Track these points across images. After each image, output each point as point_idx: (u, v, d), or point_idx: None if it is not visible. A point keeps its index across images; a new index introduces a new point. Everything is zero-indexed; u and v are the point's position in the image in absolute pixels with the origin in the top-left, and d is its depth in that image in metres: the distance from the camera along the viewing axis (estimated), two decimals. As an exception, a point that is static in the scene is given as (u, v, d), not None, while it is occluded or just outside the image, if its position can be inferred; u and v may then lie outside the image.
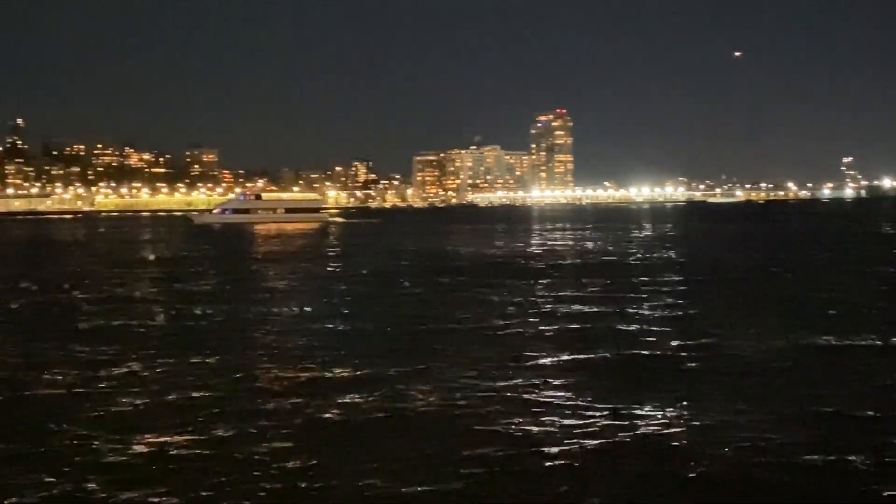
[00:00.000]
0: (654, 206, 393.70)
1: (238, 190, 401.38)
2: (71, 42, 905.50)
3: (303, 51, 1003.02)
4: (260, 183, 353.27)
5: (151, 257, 74.69)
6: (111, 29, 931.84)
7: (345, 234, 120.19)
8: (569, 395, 19.15)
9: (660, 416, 17.13)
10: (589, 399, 18.60)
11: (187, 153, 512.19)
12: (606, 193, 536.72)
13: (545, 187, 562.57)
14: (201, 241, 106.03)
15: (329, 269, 58.54)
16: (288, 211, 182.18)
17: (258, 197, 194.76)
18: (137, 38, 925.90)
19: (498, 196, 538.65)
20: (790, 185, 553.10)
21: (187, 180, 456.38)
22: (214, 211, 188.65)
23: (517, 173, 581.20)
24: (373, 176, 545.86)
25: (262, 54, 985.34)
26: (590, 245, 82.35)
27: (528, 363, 22.74)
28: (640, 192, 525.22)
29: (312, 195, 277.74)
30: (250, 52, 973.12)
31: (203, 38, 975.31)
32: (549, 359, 23.35)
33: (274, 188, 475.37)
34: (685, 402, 18.17)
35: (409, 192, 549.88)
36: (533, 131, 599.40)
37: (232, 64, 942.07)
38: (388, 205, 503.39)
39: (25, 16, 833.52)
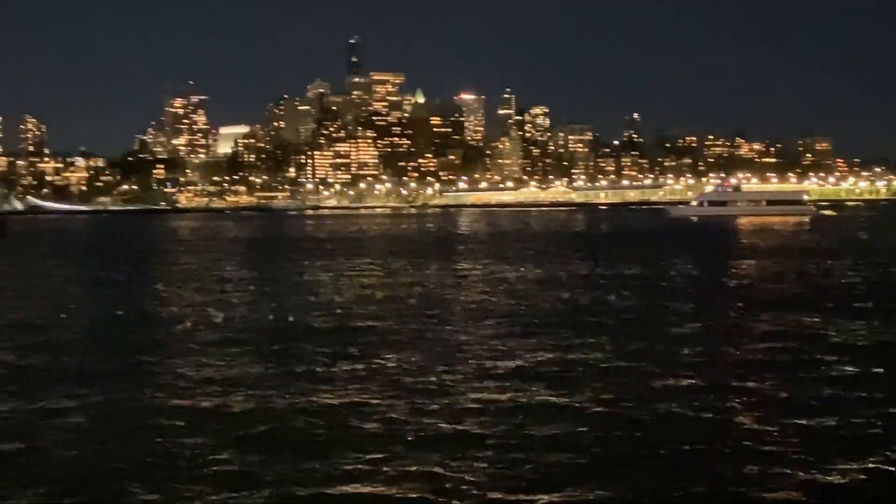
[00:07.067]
0: None
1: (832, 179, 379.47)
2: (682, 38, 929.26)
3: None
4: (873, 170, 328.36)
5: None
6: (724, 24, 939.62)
7: None
8: None
9: None
10: None
11: (799, 142, 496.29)
12: None
13: None
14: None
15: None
16: (770, 203, 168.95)
17: (737, 188, 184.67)
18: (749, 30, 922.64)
19: None
20: None
21: (798, 170, 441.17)
22: (692, 203, 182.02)
23: None
24: None
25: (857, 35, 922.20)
26: None
27: None
28: None
29: (795, 186, 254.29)
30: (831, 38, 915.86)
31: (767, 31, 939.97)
32: None
33: (893, 177, 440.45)
34: None
35: None
36: None
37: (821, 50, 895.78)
38: None
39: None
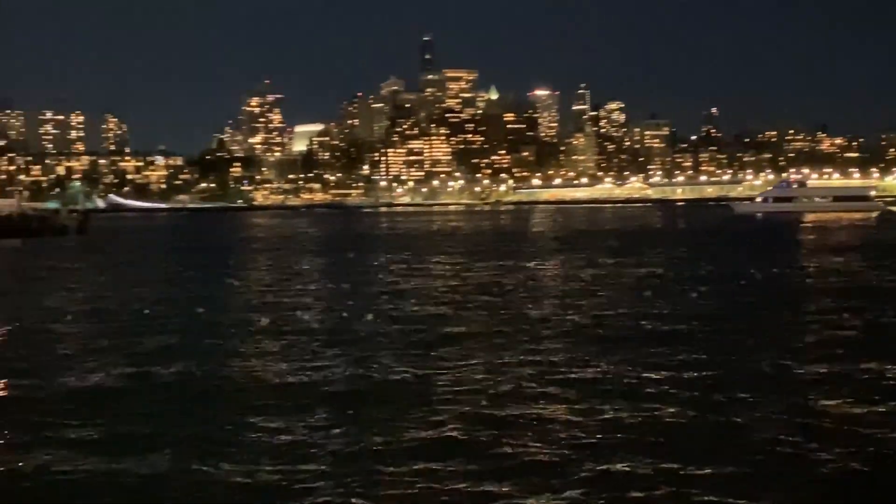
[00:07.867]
0: None
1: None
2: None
3: None
4: None
5: None
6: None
7: None
8: None
9: None
10: None
11: (882, 136, 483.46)
12: None
13: None
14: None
15: None
16: (836, 199, 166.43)
17: (802, 184, 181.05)
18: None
19: None
20: None
21: (881, 164, 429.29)
22: (757, 199, 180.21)
23: None
24: None
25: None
26: None
27: None
28: None
29: (862, 181, 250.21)
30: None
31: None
32: None
33: None
34: None
35: None
36: None
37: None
38: None
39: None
